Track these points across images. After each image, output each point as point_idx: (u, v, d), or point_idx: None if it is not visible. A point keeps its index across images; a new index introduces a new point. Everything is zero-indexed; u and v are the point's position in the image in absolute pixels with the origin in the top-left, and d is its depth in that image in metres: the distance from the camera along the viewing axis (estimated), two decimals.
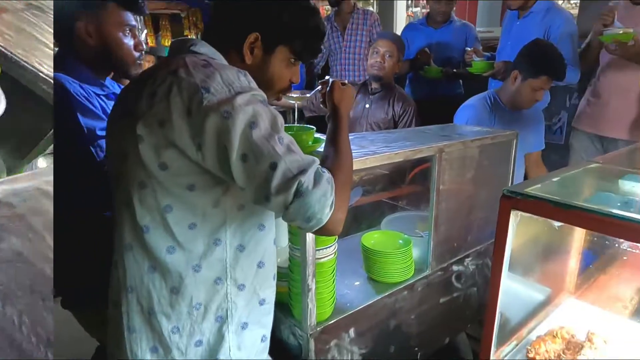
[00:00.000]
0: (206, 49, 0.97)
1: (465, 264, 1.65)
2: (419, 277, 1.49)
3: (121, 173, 0.91)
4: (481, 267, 1.73)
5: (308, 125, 1.26)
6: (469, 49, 2.72)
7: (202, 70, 0.84)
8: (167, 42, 4.56)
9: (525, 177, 2.26)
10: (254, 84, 0.88)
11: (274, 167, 0.79)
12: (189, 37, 4.17)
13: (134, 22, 1.35)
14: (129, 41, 1.32)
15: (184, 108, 0.81)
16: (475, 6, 4.23)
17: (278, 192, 0.79)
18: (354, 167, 1.20)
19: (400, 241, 1.54)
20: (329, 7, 4.07)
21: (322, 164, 0.94)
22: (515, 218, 0.77)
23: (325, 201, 0.81)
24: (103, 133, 1.23)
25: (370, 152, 1.27)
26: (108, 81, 1.39)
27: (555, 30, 2.41)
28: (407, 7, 5.27)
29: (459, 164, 1.50)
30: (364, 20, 3.33)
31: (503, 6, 2.72)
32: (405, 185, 2.17)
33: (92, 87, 1.30)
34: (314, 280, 1.19)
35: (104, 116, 1.26)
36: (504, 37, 2.68)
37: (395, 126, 2.49)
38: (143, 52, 1.39)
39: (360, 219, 1.97)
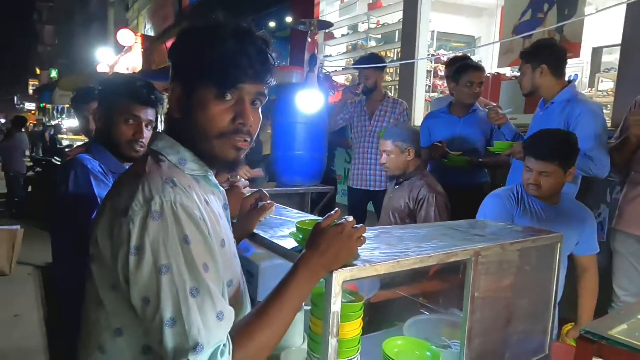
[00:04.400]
0: (163, 143, 0.91)
1: None
2: None
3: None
4: None
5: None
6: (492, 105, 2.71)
7: (130, 185, 0.82)
8: None
9: (567, 280, 2.04)
10: (183, 195, 0.81)
11: (172, 323, 0.75)
12: None
13: (141, 115, 1.55)
14: (129, 129, 1.54)
15: (109, 229, 0.80)
16: (498, 93, 4.21)
17: (167, 355, 0.76)
18: (382, 270, 1.05)
19: (428, 353, 1.34)
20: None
21: (241, 321, 0.87)
22: None
23: None
24: None
25: (400, 253, 1.12)
26: None
27: (574, 122, 2.27)
28: (425, 91, 5.31)
29: (496, 269, 1.34)
30: (392, 108, 3.37)
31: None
32: (427, 279, 1.99)
33: (112, 167, 1.59)
34: None
35: None
36: (532, 124, 2.59)
37: (413, 215, 2.40)
38: (141, 141, 1.57)
39: (377, 315, 1.78)
